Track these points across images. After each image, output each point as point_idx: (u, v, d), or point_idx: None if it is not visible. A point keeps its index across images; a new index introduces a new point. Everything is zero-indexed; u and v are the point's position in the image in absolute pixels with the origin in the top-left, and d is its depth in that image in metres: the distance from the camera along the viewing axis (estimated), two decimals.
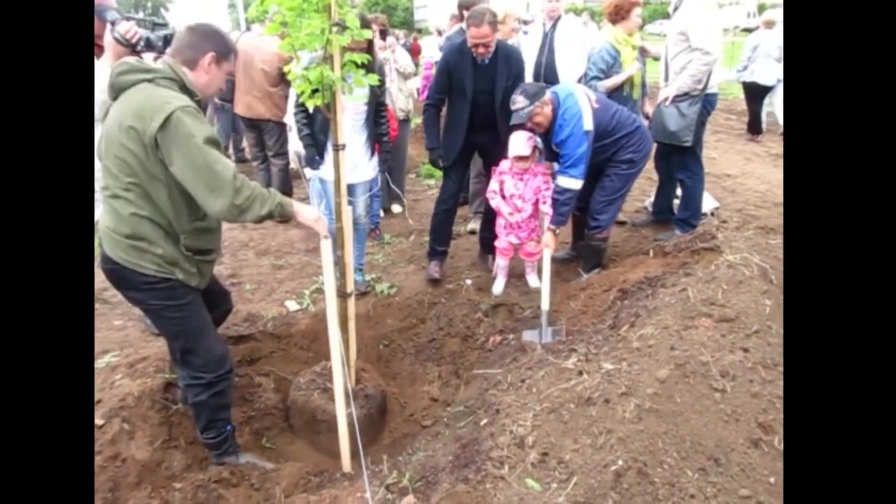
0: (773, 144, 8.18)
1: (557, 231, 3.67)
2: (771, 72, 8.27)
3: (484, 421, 2.51)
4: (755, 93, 8.46)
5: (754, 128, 8.66)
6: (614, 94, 4.39)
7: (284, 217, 2.28)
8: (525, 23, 5.08)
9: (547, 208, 3.73)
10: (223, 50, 2.25)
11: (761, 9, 26.01)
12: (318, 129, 3.66)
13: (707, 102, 4.36)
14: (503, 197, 3.81)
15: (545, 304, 3.41)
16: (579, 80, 4.52)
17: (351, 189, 3.75)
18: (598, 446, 2.03)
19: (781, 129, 8.74)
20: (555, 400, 2.34)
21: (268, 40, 5.18)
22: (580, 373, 2.42)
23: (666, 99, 4.29)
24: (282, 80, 5.24)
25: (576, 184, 3.53)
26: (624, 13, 4.40)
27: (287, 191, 5.64)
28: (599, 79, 4.44)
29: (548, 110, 3.47)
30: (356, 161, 3.75)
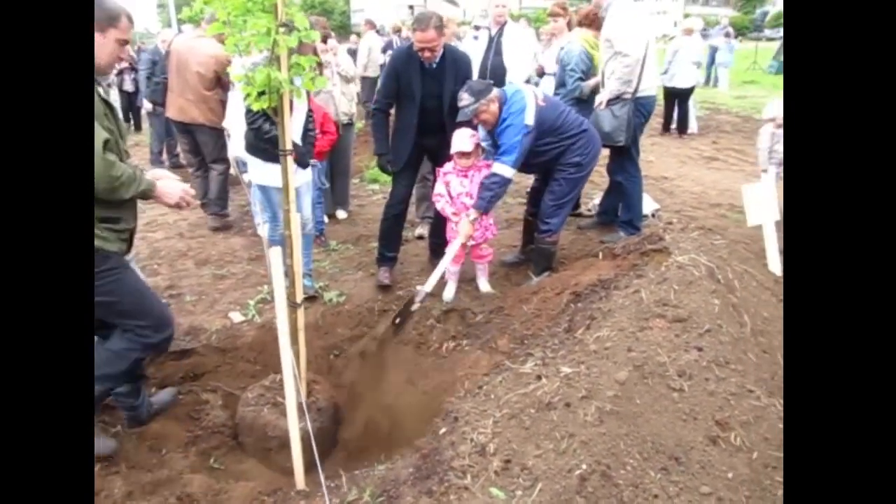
0: (706, 147, 8.53)
1: (473, 218, 3.60)
2: (689, 76, 8.90)
3: (442, 430, 2.46)
4: (674, 96, 9.14)
5: (667, 126, 9.55)
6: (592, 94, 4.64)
7: (146, 198, 2.33)
8: (477, 28, 5.11)
9: None
10: (103, 18, 2.14)
11: (687, 17, 27.26)
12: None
13: (641, 105, 4.49)
14: (450, 197, 3.79)
15: (428, 287, 3.55)
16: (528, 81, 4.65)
17: (297, 191, 3.67)
18: (561, 451, 2.02)
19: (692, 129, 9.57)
20: (514, 406, 2.32)
21: (203, 42, 4.98)
22: (538, 377, 2.42)
23: (601, 103, 4.45)
24: (218, 83, 5.05)
25: (507, 171, 3.55)
26: (600, 22, 4.58)
27: (223, 197, 5.42)
28: (583, 79, 4.63)
29: (494, 108, 3.50)
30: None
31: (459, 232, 3.63)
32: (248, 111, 3.35)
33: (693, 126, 9.57)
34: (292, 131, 3.66)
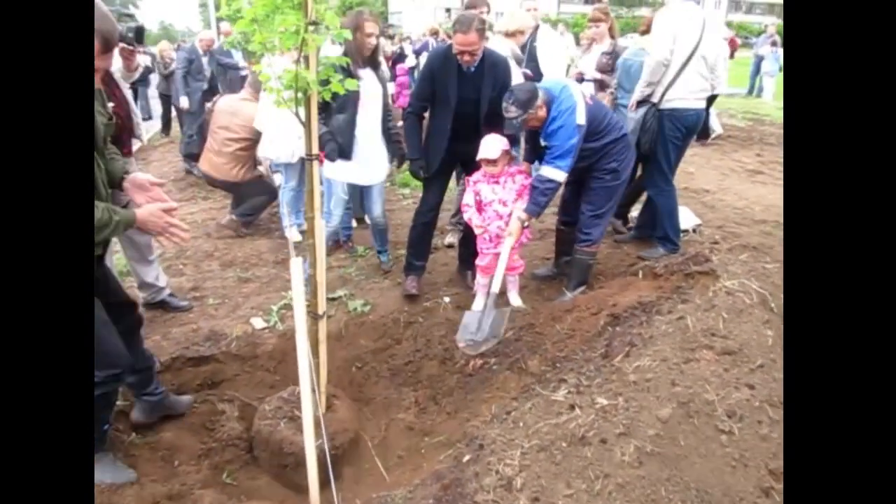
0: (749, 160, 8.20)
1: (526, 222, 3.49)
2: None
3: (466, 457, 2.31)
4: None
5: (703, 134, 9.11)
6: None
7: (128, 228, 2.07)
8: None
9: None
10: None
11: (728, 25, 26.95)
12: (337, 130, 3.79)
13: (673, 118, 4.17)
14: (480, 206, 3.63)
15: (495, 286, 3.34)
16: None
17: (369, 190, 4.22)
18: (595, 492, 1.85)
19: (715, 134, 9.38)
20: (545, 437, 2.16)
21: (247, 105, 4.99)
22: (572, 407, 2.25)
23: (631, 106, 4.32)
24: (255, 144, 5.06)
25: (560, 176, 3.39)
26: None
27: (255, 211, 5.29)
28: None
29: (542, 112, 3.33)
30: (375, 162, 4.03)
31: (510, 233, 3.46)
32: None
33: (717, 128, 9.52)
34: (370, 123, 3.91)
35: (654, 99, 4.16)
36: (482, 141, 3.48)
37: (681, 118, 4.18)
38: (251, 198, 5.24)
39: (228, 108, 5.10)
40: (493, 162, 3.50)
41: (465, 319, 3.35)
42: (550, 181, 3.39)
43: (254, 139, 4.98)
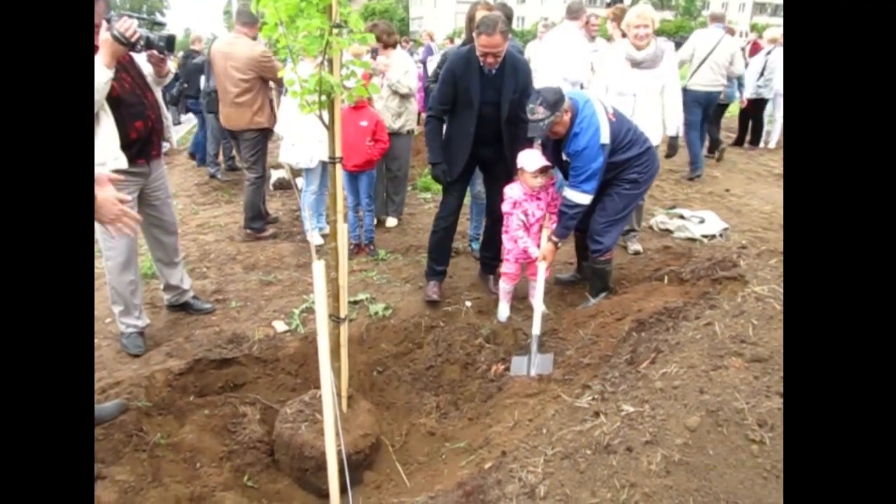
0: (775, 163, 8.05)
1: (559, 244, 3.48)
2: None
3: (489, 464, 2.28)
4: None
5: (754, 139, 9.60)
6: None
7: None
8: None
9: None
10: None
11: (753, 27, 26.79)
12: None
13: (687, 95, 6.36)
14: (528, 227, 3.55)
15: (536, 329, 3.21)
16: None
17: None
18: (621, 502, 1.81)
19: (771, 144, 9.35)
20: (568, 444, 2.12)
21: (238, 45, 4.82)
22: (596, 414, 2.20)
23: None
24: (264, 83, 4.94)
25: (586, 199, 3.35)
26: None
27: (253, 209, 5.15)
28: None
29: (567, 118, 3.24)
30: None
31: (544, 257, 3.45)
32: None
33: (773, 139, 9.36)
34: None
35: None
36: (521, 155, 3.44)
37: (694, 95, 6.74)
38: (245, 153, 5.13)
39: (221, 52, 4.93)
40: (543, 171, 3.43)
41: (514, 364, 3.18)
42: (578, 206, 3.36)
43: (254, 78, 4.81)
